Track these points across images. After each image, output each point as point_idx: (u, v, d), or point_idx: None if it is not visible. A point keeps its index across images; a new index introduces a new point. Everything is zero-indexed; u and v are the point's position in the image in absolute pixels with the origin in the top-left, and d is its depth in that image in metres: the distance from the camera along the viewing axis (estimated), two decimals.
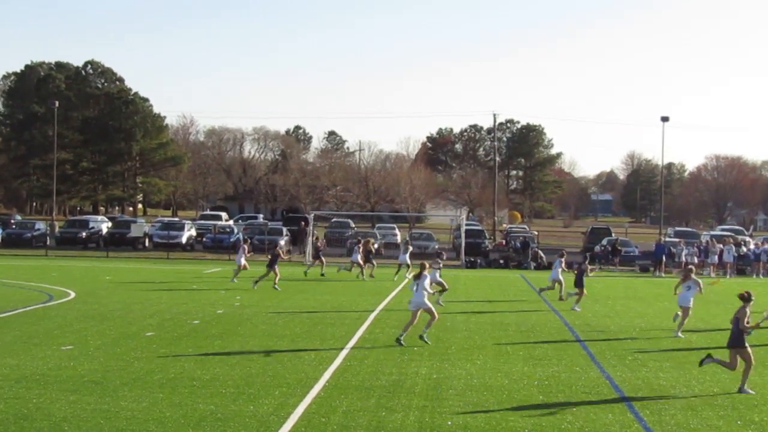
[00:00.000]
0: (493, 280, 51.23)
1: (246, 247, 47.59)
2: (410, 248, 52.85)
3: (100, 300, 35.97)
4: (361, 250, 51.13)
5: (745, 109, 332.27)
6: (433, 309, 26.38)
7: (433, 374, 20.85)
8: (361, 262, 51.55)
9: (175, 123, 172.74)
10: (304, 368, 21.21)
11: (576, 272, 38.28)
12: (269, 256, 45.75)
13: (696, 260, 62.60)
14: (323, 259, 53.68)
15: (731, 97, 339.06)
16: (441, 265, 40.77)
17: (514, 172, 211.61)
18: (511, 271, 60.46)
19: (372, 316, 32.43)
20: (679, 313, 29.40)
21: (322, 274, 52.16)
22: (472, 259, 64.53)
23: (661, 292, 46.71)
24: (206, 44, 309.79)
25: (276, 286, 42.22)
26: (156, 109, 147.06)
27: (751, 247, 67.93)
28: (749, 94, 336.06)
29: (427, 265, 27.26)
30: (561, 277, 40.72)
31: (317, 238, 59.23)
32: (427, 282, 26.15)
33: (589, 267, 40.23)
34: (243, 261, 46.15)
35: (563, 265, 41.24)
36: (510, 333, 28.67)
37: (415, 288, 26.21)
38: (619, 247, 70.01)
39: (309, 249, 67.04)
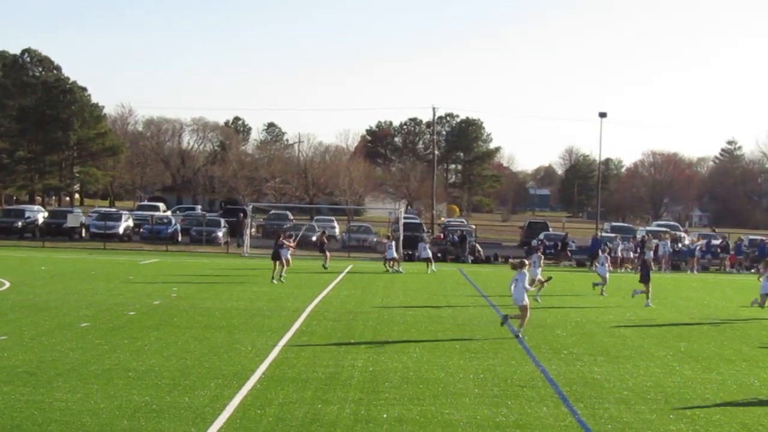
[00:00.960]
0: (431, 274, 51.36)
1: (287, 242, 46.96)
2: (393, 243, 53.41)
3: (35, 290, 35.65)
4: (317, 241, 51.01)
5: (681, 105, 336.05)
6: (528, 307, 26.72)
7: (370, 367, 20.89)
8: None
9: (113, 113, 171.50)
10: (241, 360, 21.17)
11: (640, 268, 38.47)
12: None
13: (632, 255, 63.22)
14: (327, 252, 53.48)
15: (668, 94, 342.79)
16: (541, 262, 40.97)
17: (453, 166, 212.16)
18: (448, 265, 60.62)
19: (309, 308, 32.41)
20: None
21: (325, 267, 51.95)
22: (410, 252, 64.62)
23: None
24: (145, 34, 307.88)
25: (279, 279, 43.31)
26: (94, 99, 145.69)
27: (686, 242, 68.68)
28: (686, 90, 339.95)
29: (527, 263, 27.83)
30: (607, 274, 41.69)
31: (323, 233, 58.39)
32: (526, 280, 26.69)
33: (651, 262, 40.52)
34: (288, 256, 45.97)
35: (608, 263, 41.91)
36: (446, 326, 28.76)
37: (513, 285, 26.97)
38: (567, 242, 70.58)
39: (246, 240, 66.90)
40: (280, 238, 45.65)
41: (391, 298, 37.13)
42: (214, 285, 40.67)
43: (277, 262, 44.01)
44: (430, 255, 54.36)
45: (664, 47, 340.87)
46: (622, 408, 17.50)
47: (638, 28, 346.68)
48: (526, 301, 26.73)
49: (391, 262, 52.55)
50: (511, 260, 30.93)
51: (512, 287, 26.85)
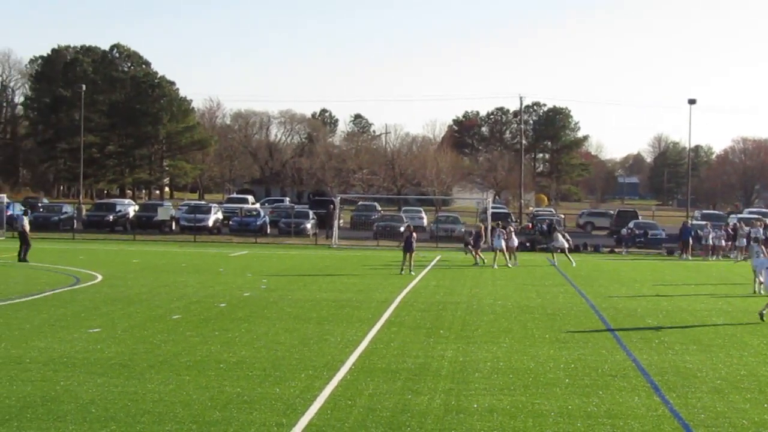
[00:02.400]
0: (520, 263, 51.09)
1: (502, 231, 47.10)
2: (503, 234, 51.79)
3: (127, 283, 36.10)
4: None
5: None
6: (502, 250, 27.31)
7: (459, 357, 20.84)
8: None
9: (201, 106, 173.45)
10: (331, 351, 21.23)
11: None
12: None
13: (723, 243, 62.46)
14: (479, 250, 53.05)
15: (758, 79, 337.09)
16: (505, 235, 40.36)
17: (541, 155, 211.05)
18: (538, 254, 60.31)
19: (398, 299, 32.43)
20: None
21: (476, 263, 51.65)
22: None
23: (688, 275, 46.62)
24: (232, 27, 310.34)
25: (409, 271, 43.90)
26: (182, 93, 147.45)
27: None
28: None
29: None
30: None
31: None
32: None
33: None
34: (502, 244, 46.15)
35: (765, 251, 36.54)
36: (536, 316, 28.62)
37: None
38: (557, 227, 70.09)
39: (335, 231, 67.14)
40: (411, 230, 45.93)
41: (480, 288, 37.04)
42: (303, 277, 40.87)
43: (408, 254, 44.02)
44: (508, 245, 51.66)
45: (754, 31, 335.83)
46: (715, 398, 17.28)
47: (727, 13, 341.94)
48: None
49: (507, 253, 50.74)
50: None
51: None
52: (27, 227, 48.31)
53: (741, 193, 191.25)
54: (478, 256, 51.69)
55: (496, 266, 48.61)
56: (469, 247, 53.00)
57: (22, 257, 46.18)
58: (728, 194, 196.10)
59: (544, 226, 70.14)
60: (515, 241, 53.37)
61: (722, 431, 14.89)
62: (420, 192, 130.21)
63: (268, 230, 76.29)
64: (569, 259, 52.03)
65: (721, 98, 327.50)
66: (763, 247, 37.69)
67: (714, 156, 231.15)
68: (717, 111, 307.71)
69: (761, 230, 62.59)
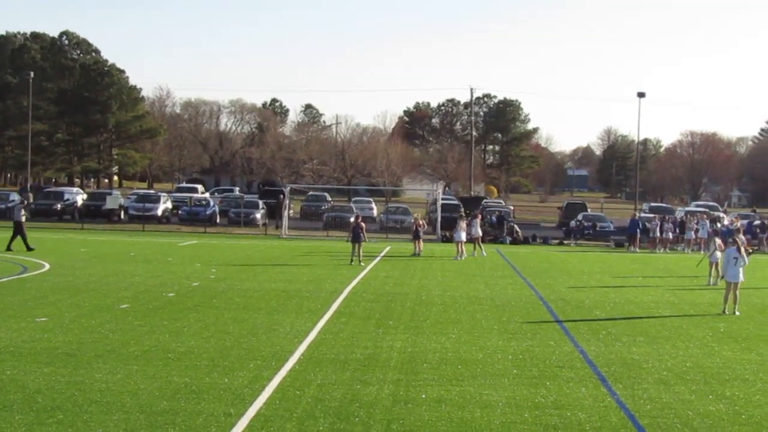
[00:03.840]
0: (467, 255, 51.18)
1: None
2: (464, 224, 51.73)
3: (74, 272, 35.86)
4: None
5: (720, 85, 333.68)
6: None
7: (408, 348, 20.89)
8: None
9: (151, 95, 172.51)
10: (279, 341, 21.22)
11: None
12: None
13: (671, 236, 62.92)
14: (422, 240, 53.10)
15: (707, 73, 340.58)
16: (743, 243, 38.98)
17: (491, 147, 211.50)
18: (487, 246, 60.50)
19: (348, 290, 32.44)
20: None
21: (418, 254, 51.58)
22: (448, 234, 64.43)
23: (636, 268, 46.90)
24: (183, 15, 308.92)
25: (359, 261, 43.91)
26: (132, 81, 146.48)
27: (726, 222, 68.10)
28: (725, 69, 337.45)
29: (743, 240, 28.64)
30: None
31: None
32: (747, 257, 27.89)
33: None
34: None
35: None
36: (484, 307, 28.72)
37: (734, 262, 28.31)
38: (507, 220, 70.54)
39: (285, 222, 67.02)
40: (359, 220, 45.83)
41: (429, 280, 37.11)
42: (252, 267, 40.79)
43: (357, 245, 44.03)
44: (473, 235, 52.62)
45: (702, 26, 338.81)
46: (661, 389, 17.43)
47: (676, 7, 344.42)
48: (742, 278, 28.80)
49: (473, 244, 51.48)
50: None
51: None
52: (23, 218, 47.62)
53: (689, 187, 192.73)
54: (418, 246, 51.80)
55: (462, 257, 48.70)
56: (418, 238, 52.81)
57: (8, 247, 45.66)
58: (676, 187, 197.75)
59: (494, 218, 70.29)
60: (479, 231, 53.55)
61: (668, 422, 15.03)
62: (370, 183, 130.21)
63: (218, 220, 76.11)
64: (480, 248, 52.23)
65: (671, 92, 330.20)
66: (718, 241, 38.16)
67: (662, 149, 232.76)
68: (666, 104, 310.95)
69: (707, 223, 63.07)
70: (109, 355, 18.99)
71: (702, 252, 57.75)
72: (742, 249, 29.56)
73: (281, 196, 74.06)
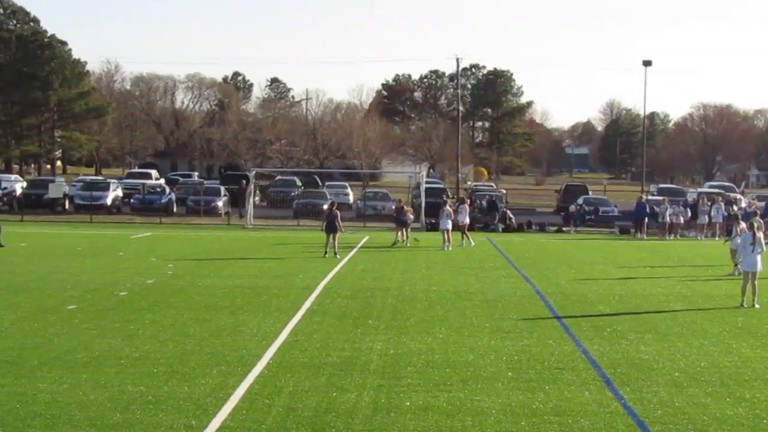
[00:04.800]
0: (457, 244, 51.23)
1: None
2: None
3: (13, 269, 35.77)
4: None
5: (734, 52, 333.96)
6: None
7: (390, 350, 20.93)
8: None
9: (97, 70, 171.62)
10: (246, 344, 21.23)
11: None
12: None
13: (682, 220, 63.02)
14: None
15: (720, 40, 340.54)
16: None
17: (480, 124, 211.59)
18: (477, 234, 60.54)
19: (321, 285, 32.47)
20: None
21: (400, 241, 51.86)
22: (433, 221, 64.40)
23: (643, 257, 47.06)
24: None
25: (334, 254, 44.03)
26: (76, 54, 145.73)
27: (743, 205, 68.32)
28: (739, 35, 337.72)
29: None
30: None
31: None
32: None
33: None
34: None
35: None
36: (475, 303, 28.78)
37: (751, 249, 28.64)
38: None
39: (249, 210, 66.99)
40: (334, 208, 45.59)
41: (413, 273, 37.17)
42: (214, 261, 40.80)
43: (332, 235, 43.94)
44: (460, 222, 52.78)
45: None
46: (673, 391, 17.50)
47: None
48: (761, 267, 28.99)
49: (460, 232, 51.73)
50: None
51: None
52: None
53: (701, 165, 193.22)
54: (400, 233, 51.82)
55: (448, 248, 48.72)
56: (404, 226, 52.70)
57: None
58: (687, 166, 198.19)
59: (484, 203, 70.32)
60: (466, 218, 53.43)
61: (681, 428, 15.10)
62: (345, 165, 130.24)
63: (174, 209, 75.96)
64: (467, 237, 52.17)
65: (680, 59, 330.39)
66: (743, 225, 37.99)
67: (671, 124, 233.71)
68: (675, 74, 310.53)
69: (722, 206, 63.17)
70: (54, 363, 18.96)
71: (717, 238, 57.95)
72: (760, 234, 29.63)
73: (245, 181, 73.96)
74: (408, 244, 50.83)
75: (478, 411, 15.84)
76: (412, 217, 53.83)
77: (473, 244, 51.42)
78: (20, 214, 70.06)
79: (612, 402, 16.63)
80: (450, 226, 49.69)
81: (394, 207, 58.38)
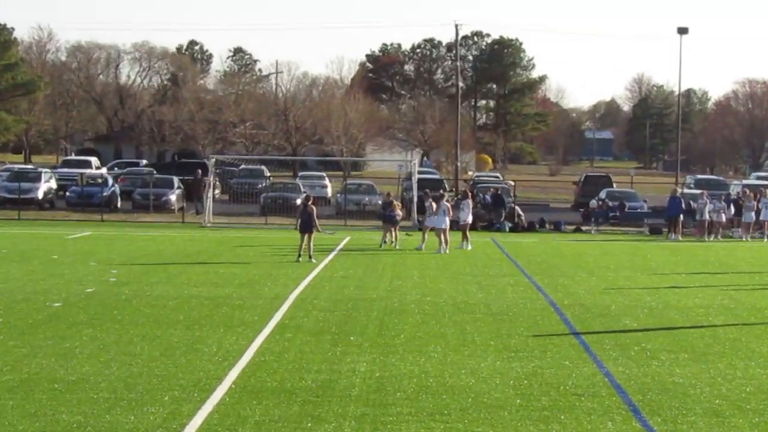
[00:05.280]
0: (455, 247, 51.28)
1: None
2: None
3: None
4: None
5: None
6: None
7: (376, 372, 20.94)
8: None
9: (26, 38, 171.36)
10: (204, 365, 21.24)
11: None
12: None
13: (724, 218, 62.97)
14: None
15: None
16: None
17: (483, 103, 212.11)
18: (479, 234, 60.61)
19: (294, 294, 32.51)
20: None
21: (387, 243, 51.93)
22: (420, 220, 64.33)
23: (678, 261, 47.19)
24: None
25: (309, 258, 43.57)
26: (1, 19, 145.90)
27: None
28: None
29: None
30: None
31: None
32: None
33: None
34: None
35: None
36: (477, 317, 28.83)
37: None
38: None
39: (208, 205, 66.98)
40: (309, 203, 45.28)
41: (403, 280, 37.23)
42: (166, 266, 40.81)
43: (307, 235, 43.70)
44: (463, 220, 52.53)
45: None
46: (713, 422, 17.54)
47: None
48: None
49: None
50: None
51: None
52: None
53: (747, 153, 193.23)
54: (387, 234, 51.78)
55: (445, 251, 48.63)
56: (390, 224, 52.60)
57: None
58: (730, 154, 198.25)
59: (488, 197, 70.37)
60: (469, 216, 53.16)
61: None
62: (323, 152, 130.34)
63: (119, 204, 75.96)
64: (467, 239, 51.98)
65: (721, 27, 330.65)
66: None
67: (711, 104, 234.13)
68: (715, 44, 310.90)
69: None
70: None
71: (766, 239, 58.06)
72: None
73: (201, 171, 73.86)
74: (397, 246, 50.87)
75: None
76: (401, 213, 53.81)
77: (470, 247, 51.20)
78: None
79: None
80: (445, 225, 49.56)
81: (380, 202, 58.41)
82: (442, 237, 49.34)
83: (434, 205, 50.22)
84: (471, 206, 54.40)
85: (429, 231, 50.12)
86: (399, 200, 58.43)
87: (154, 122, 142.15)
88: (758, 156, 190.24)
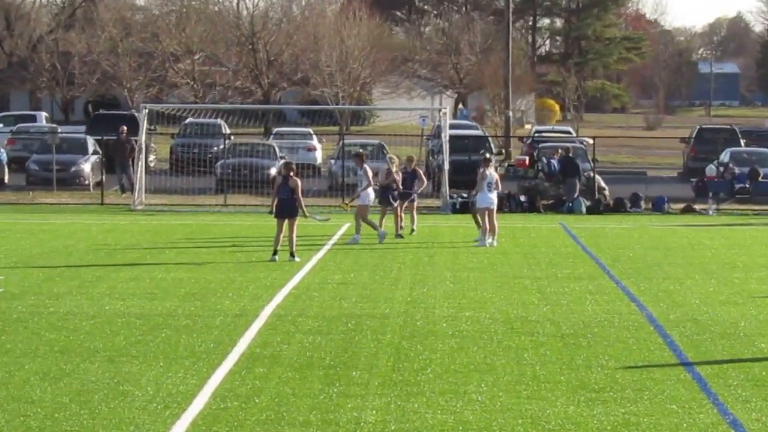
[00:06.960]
0: (508, 236, 51.27)
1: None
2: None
3: None
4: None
5: None
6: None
7: (391, 424, 20.86)
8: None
9: None
10: (135, 417, 21.17)
11: None
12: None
13: None
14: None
15: None
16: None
17: (546, 21, 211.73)
18: (542, 217, 60.61)
19: (268, 310, 32.46)
20: None
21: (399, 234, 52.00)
22: (465, 196, 64.16)
23: None
24: None
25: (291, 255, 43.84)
26: None
27: None
28: None
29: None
30: None
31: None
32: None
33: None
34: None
35: None
36: (541, 339, 28.80)
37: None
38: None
39: (139, 178, 66.91)
40: (291, 174, 44.89)
41: (430, 287, 37.17)
42: (78, 269, 40.84)
43: (287, 222, 43.48)
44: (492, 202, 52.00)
45: None
46: None
47: None
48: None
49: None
50: None
51: None
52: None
53: None
54: (400, 219, 51.49)
55: (492, 242, 48.39)
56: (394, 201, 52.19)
57: None
58: None
59: (555, 162, 70.28)
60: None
61: None
62: (309, 99, 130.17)
63: (6, 178, 75.89)
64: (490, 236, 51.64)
65: None
66: None
67: None
68: None
69: None
70: None
71: None
72: None
73: (125, 128, 73.64)
74: (414, 230, 50.83)
75: None
76: (423, 183, 53.65)
77: (495, 243, 50.58)
78: None
79: None
80: (495, 204, 49.34)
81: (395, 171, 58.20)
82: (486, 221, 49.08)
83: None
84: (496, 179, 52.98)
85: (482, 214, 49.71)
86: (423, 168, 57.96)
87: (57, 56, 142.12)
88: None
